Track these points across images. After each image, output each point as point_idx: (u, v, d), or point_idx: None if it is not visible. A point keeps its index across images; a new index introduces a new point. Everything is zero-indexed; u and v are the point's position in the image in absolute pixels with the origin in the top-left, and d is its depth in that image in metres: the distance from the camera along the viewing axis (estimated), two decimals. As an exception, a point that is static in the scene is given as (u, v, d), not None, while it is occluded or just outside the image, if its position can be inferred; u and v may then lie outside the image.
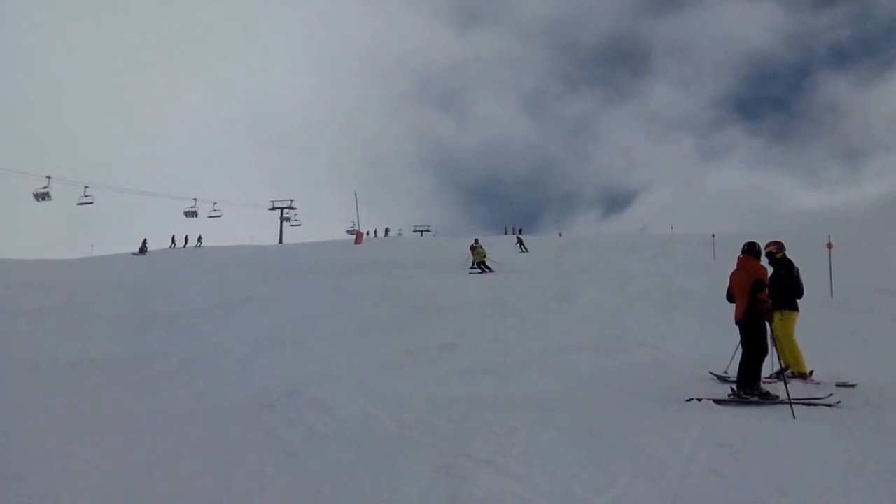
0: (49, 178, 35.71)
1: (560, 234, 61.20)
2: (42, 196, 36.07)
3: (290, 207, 66.94)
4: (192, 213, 49.61)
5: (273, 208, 66.79)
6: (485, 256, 25.68)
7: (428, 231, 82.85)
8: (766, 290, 7.21)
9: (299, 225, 66.65)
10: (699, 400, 7.03)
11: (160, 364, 9.33)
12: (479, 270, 24.90)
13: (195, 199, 49.68)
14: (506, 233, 66.40)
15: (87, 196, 39.05)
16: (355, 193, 57.22)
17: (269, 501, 4.65)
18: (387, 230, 77.56)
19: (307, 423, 6.32)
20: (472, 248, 26.39)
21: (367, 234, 64.38)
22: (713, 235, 29.79)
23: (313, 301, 16.63)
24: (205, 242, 55.35)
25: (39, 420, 6.62)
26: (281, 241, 64.02)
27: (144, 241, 47.87)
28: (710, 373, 8.36)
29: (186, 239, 56.07)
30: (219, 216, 52.26)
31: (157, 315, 14.13)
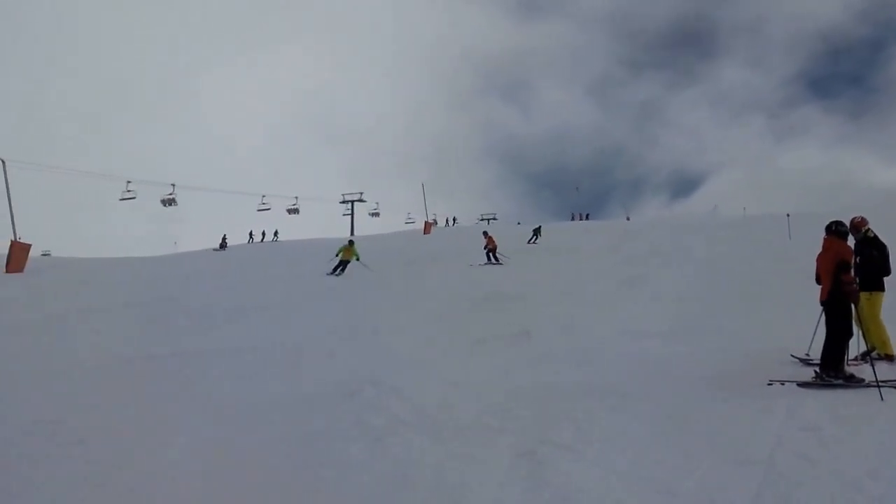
0: (129, 182, 37.48)
1: (628, 218, 60.29)
2: (128, 197, 37.90)
3: (360, 200, 68.14)
4: (264, 209, 51.20)
5: (343, 201, 68.21)
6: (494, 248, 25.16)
7: (494, 219, 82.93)
8: (850, 271, 6.97)
9: (378, 215, 67.89)
10: (782, 383, 6.84)
11: (246, 355, 9.68)
12: (487, 261, 24.39)
13: (264, 196, 51.29)
14: (572, 218, 65.91)
15: (171, 195, 40.64)
16: (422, 185, 57.80)
17: (357, 486, 4.79)
18: (454, 219, 78.01)
19: (389, 410, 6.48)
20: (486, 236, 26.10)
21: (436, 223, 64.87)
22: (788, 215, 28.73)
23: (386, 291, 16.95)
24: (281, 237, 57.05)
25: (135, 411, 6.93)
26: (352, 234, 65.19)
27: (224, 238, 49.79)
28: (792, 356, 8.12)
29: (263, 234, 57.92)
30: (296, 211, 53.66)
31: (241, 308, 14.66)
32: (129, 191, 38.31)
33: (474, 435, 5.72)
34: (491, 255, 24.68)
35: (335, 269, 21.77)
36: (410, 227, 66.99)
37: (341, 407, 6.74)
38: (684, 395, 6.70)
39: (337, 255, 22.27)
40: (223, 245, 48.89)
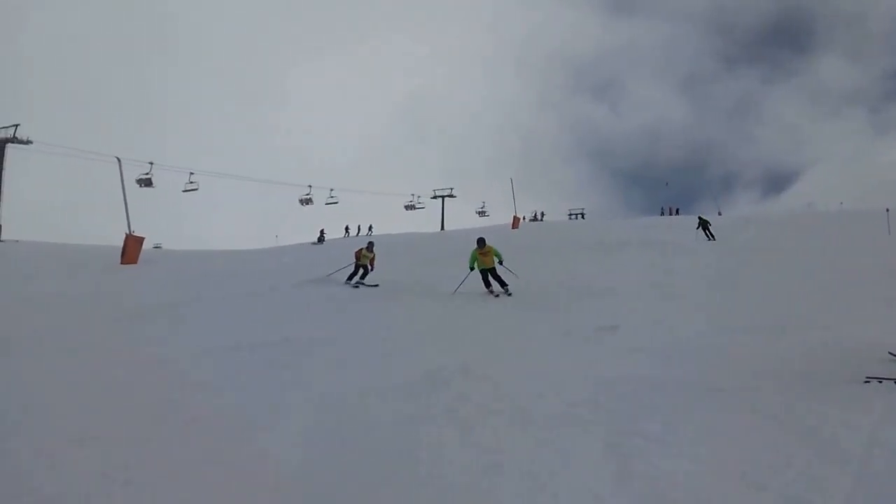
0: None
1: (720, 213, 58.33)
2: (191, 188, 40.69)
3: (451, 195, 69.29)
4: (332, 202, 53.77)
5: (434, 197, 69.42)
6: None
7: (582, 216, 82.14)
8: None
9: (487, 216, 69.81)
10: (879, 381, 6.62)
11: (344, 344, 10.12)
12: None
13: (332, 189, 53.88)
14: (662, 213, 64.47)
15: (192, 183, 43.04)
16: (511, 180, 57.87)
17: (450, 471, 4.98)
18: (542, 214, 77.65)
19: (480, 399, 6.70)
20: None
21: (524, 218, 64.80)
22: (887, 210, 27.19)
23: (476, 284, 17.17)
24: (375, 231, 58.59)
25: (240, 397, 7.38)
26: (442, 228, 66.11)
27: (322, 231, 51.66)
28: (890, 353, 7.82)
29: (359, 228, 59.57)
30: (335, 202, 55.33)
31: (337, 298, 15.25)
32: (191, 182, 41.85)
33: (563, 425, 5.84)
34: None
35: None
36: (486, 220, 67.59)
37: (433, 395, 7.01)
38: (777, 391, 6.59)
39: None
40: (321, 239, 50.62)
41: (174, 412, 6.65)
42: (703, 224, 30.40)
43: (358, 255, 17.83)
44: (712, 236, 29.13)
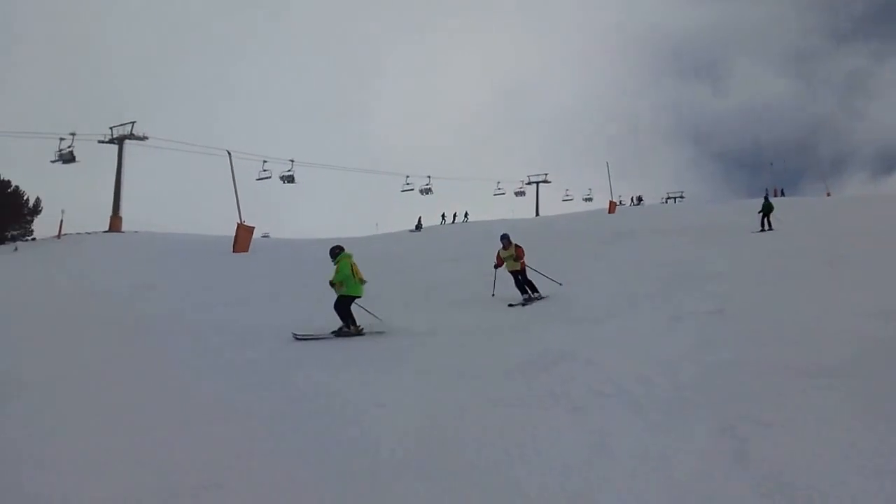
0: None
1: (828, 194, 55.27)
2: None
3: (545, 181, 69.08)
4: (427, 191, 55.16)
5: (529, 183, 69.39)
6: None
7: (681, 198, 79.90)
8: None
9: (591, 200, 70.01)
10: None
11: (458, 331, 10.50)
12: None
13: (429, 177, 54.55)
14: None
15: (265, 171, 44.79)
16: (607, 164, 56.97)
17: (559, 450, 5.05)
18: (639, 198, 75.94)
19: (587, 382, 6.77)
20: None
21: (620, 202, 63.65)
22: None
23: (577, 268, 17.18)
24: (471, 218, 59.27)
25: (351, 376, 7.83)
26: (537, 214, 65.95)
27: (420, 219, 52.79)
28: None
29: (455, 215, 60.37)
30: (430, 191, 56.15)
31: (438, 284, 15.65)
32: (264, 170, 43.95)
33: (673, 408, 5.81)
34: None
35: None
36: (589, 205, 66.86)
37: (539, 378, 7.14)
38: (900, 375, 6.27)
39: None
40: (419, 226, 51.69)
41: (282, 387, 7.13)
42: (766, 210, 26.50)
43: (499, 260, 13.70)
44: (769, 225, 25.77)
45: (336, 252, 10.64)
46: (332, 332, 10.15)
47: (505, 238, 13.61)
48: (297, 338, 9.99)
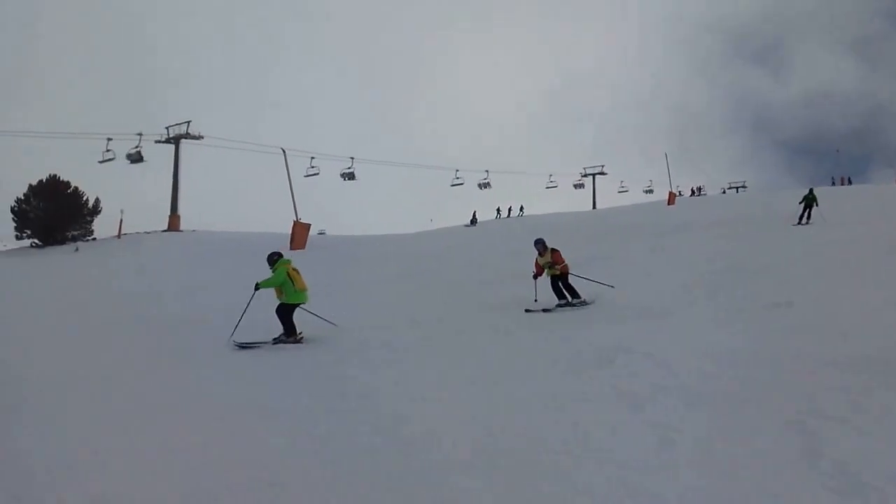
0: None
1: None
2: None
3: (602, 173, 68.25)
4: (457, 184, 54.60)
5: (585, 175, 68.59)
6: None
7: (743, 188, 78.05)
8: None
9: (651, 191, 69.29)
10: None
11: (507, 322, 10.52)
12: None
13: (487, 172, 54.45)
14: (833, 183, 59.85)
15: (313, 167, 44.59)
16: (665, 155, 55.98)
17: (621, 445, 4.98)
18: (700, 189, 74.38)
19: (647, 377, 6.66)
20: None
21: (680, 193, 62.42)
22: None
23: (636, 261, 16.90)
24: (526, 212, 59.06)
25: (408, 375, 7.85)
26: (594, 207, 65.22)
27: (474, 214, 52.87)
28: None
29: (510, 210, 60.18)
30: (489, 185, 55.67)
31: (489, 282, 15.61)
32: (312, 167, 44.07)
33: (736, 403, 5.68)
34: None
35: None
36: (650, 196, 65.83)
37: (598, 373, 7.06)
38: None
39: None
40: (473, 221, 51.77)
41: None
42: (809, 202, 23.82)
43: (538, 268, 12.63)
44: (808, 219, 23.43)
45: (274, 258, 10.57)
46: (273, 339, 10.03)
47: (539, 243, 12.48)
48: (241, 346, 9.77)
